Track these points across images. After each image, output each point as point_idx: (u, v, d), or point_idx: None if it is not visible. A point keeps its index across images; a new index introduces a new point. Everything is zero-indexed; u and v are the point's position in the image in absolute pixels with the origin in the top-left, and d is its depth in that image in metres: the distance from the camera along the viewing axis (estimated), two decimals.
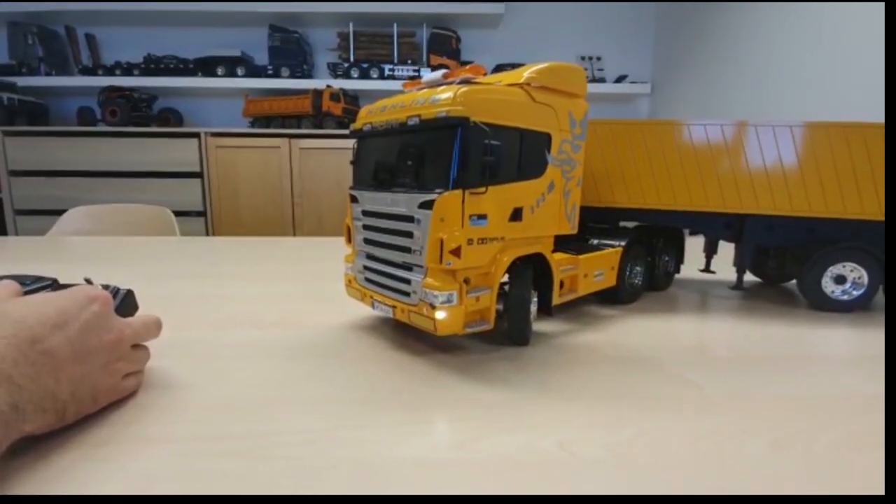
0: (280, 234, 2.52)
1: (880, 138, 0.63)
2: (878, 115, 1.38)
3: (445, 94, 0.46)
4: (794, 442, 0.36)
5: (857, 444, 0.36)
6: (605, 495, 0.30)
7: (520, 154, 0.50)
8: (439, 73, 0.52)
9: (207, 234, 2.54)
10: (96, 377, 0.36)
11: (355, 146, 0.58)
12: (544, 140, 0.52)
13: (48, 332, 0.32)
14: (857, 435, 0.37)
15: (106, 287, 0.45)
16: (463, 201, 0.45)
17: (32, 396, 0.30)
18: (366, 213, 0.55)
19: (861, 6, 1.52)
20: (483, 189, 0.46)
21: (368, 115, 0.55)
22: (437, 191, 0.45)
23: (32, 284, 0.44)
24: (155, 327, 0.44)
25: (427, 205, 0.46)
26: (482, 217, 0.47)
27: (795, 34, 1.82)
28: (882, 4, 1.41)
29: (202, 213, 2.53)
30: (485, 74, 0.53)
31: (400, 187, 0.50)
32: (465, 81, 0.49)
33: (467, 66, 0.50)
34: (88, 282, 0.44)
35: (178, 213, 1.65)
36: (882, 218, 0.65)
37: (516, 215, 0.51)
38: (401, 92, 0.56)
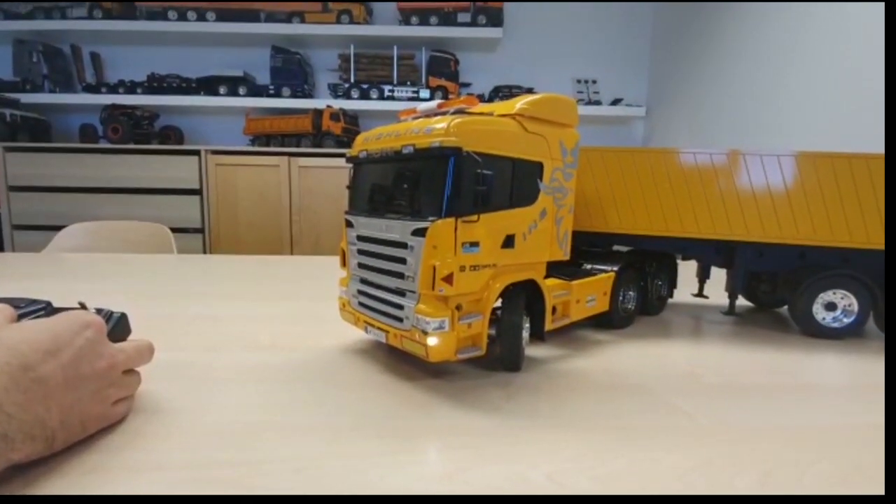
0: (278, 252, 2.52)
1: (867, 168, 0.65)
2: (871, 136, 1.40)
3: (439, 124, 0.47)
4: (783, 475, 0.36)
5: (847, 478, 0.36)
6: (602, 495, 0.30)
7: (512, 182, 0.51)
8: (434, 102, 0.53)
9: (205, 250, 2.54)
10: (86, 404, 0.36)
11: (351, 172, 0.59)
12: (536, 169, 0.53)
13: (41, 359, 0.32)
14: (848, 468, 0.38)
15: (99, 311, 0.45)
16: (455, 229, 0.46)
17: (22, 425, 0.30)
18: (360, 238, 0.56)
19: (855, 29, 1.55)
20: (475, 217, 0.47)
21: (364, 143, 0.56)
22: (431, 218, 0.46)
23: (26, 308, 0.45)
24: (147, 352, 0.44)
25: (420, 232, 0.47)
26: (474, 244, 0.48)
27: (789, 58, 1.86)
28: (878, 19, 1.44)
29: (200, 230, 2.54)
30: (481, 101, 0.54)
31: (394, 214, 0.51)
32: (459, 112, 0.50)
33: (461, 97, 0.52)
34: (83, 306, 0.44)
35: (176, 230, 1.65)
36: (870, 246, 0.66)
37: (508, 242, 0.51)
38: (397, 119, 0.57)
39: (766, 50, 1.97)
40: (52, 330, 0.35)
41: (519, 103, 0.52)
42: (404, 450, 0.39)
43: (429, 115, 0.53)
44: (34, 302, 0.46)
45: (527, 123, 0.52)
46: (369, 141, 0.55)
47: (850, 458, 0.39)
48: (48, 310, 0.46)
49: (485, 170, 0.46)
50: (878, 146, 1.36)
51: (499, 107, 0.53)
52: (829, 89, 1.67)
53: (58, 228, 1.60)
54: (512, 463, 0.37)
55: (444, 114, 0.51)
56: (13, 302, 0.44)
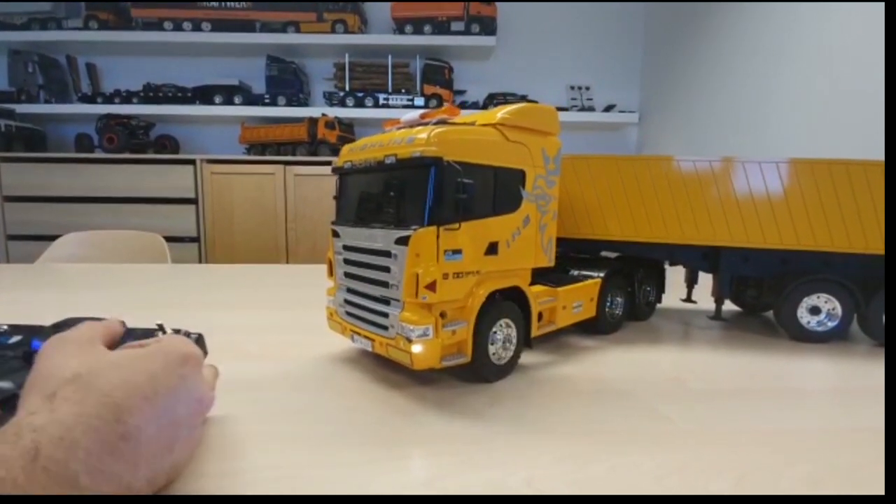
0: (274, 260, 2.52)
1: (847, 174, 0.66)
2: (864, 140, 1.41)
3: (420, 134, 0.47)
4: (757, 479, 0.36)
5: (821, 481, 0.37)
6: (597, 495, 0.30)
7: (494, 190, 0.52)
8: (416, 112, 0.54)
9: (201, 259, 2.54)
10: (178, 453, 0.31)
11: (337, 182, 0.60)
12: (518, 176, 0.54)
13: (135, 407, 0.28)
14: (823, 471, 0.38)
15: (177, 332, 0.43)
16: (438, 237, 0.47)
17: (98, 491, 0.25)
18: (346, 248, 0.56)
19: (847, 34, 1.57)
20: (457, 225, 0.47)
21: (350, 153, 0.57)
22: (413, 227, 0.47)
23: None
24: (215, 380, 0.42)
25: (403, 240, 0.47)
26: (457, 252, 0.49)
27: (780, 62, 1.89)
28: (870, 23, 1.46)
29: (196, 239, 2.54)
30: (475, 109, 0.55)
31: (378, 223, 0.51)
32: (441, 122, 0.51)
33: (442, 108, 0.53)
34: (161, 328, 0.42)
35: (172, 239, 1.66)
36: (852, 250, 0.67)
37: (492, 249, 0.52)
38: (382, 129, 0.58)
39: (758, 55, 1.99)
40: (149, 370, 0.30)
41: (500, 113, 0.53)
42: (387, 457, 0.39)
43: (412, 125, 0.54)
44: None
45: (508, 132, 0.53)
46: (354, 151, 0.56)
47: (826, 461, 0.39)
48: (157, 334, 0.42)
49: (466, 178, 0.47)
50: (871, 149, 1.38)
51: (480, 116, 0.54)
52: (821, 93, 1.68)
53: (53, 238, 1.60)
54: (491, 469, 0.37)
55: (426, 124, 0.51)
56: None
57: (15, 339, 0.42)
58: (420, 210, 0.47)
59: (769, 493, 0.35)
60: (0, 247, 2.53)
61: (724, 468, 0.38)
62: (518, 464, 0.38)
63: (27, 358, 0.38)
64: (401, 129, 0.53)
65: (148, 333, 0.41)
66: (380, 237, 0.50)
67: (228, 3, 2.70)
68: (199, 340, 0.43)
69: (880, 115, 1.35)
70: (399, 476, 0.36)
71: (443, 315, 0.49)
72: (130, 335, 0.40)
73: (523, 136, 0.54)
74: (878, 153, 0.66)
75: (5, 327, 0.43)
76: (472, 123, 0.53)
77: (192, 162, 2.51)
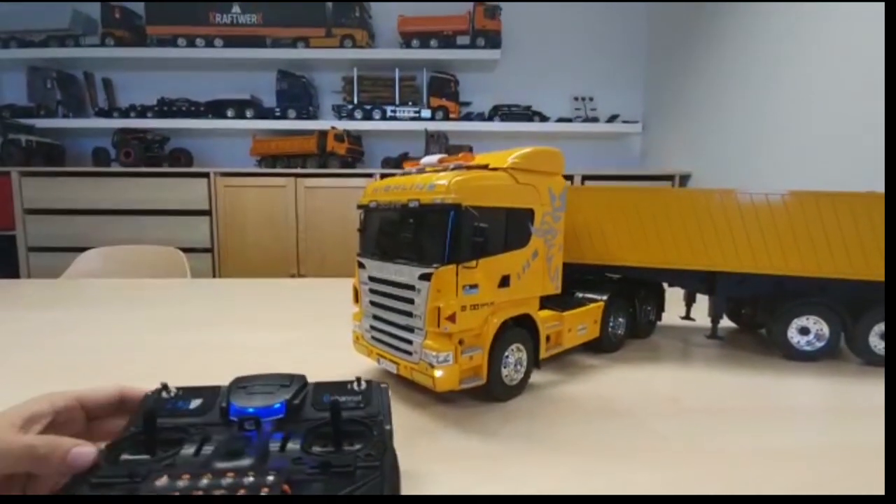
0: (285, 270, 2.59)
1: (832, 206, 0.71)
2: (870, 147, 1.44)
3: (441, 181, 0.53)
4: (738, 492, 0.42)
5: (796, 493, 0.42)
6: (600, 495, 0.35)
7: (506, 228, 0.57)
8: (435, 157, 0.60)
9: (214, 269, 2.61)
10: None
11: (362, 216, 0.66)
12: (528, 215, 0.60)
13: None
14: (800, 485, 0.43)
15: (368, 383, 0.42)
16: (457, 274, 0.52)
17: None
18: (372, 279, 0.62)
19: (851, 40, 1.59)
20: (474, 263, 0.53)
21: (374, 194, 0.62)
22: (435, 265, 0.52)
23: (291, 385, 0.40)
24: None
25: (426, 276, 0.53)
26: (474, 286, 0.54)
27: (781, 71, 1.93)
28: (873, 27, 1.48)
29: (209, 250, 2.61)
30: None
31: (402, 259, 0.57)
32: (458, 167, 0.57)
33: (460, 154, 0.58)
34: (358, 381, 0.42)
35: (186, 250, 1.71)
36: (838, 275, 0.72)
37: (504, 282, 0.58)
38: (402, 168, 0.64)
39: (759, 64, 2.03)
40: None
41: (510, 157, 0.58)
42: (413, 474, 0.44)
43: (431, 167, 0.60)
44: (292, 378, 0.42)
45: (518, 175, 0.58)
46: (378, 192, 0.62)
47: (805, 476, 0.44)
48: (297, 386, 0.41)
49: (481, 222, 0.52)
50: (875, 149, 1.38)
51: (493, 158, 0.60)
52: (825, 97, 1.71)
53: (72, 250, 1.67)
54: (506, 482, 0.42)
55: (445, 169, 0.57)
56: (260, 380, 0.40)
57: (195, 403, 0.38)
58: (441, 249, 0.52)
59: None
60: (21, 258, 2.61)
61: (710, 481, 0.43)
62: (530, 478, 0.43)
63: (237, 426, 0.36)
64: (420, 172, 0.59)
65: (341, 387, 0.42)
66: (405, 272, 0.56)
67: (240, 19, 2.78)
68: (386, 391, 0.43)
69: (881, 115, 1.35)
70: (424, 489, 0.42)
71: (461, 342, 0.55)
72: (321, 390, 0.40)
73: (532, 178, 0.59)
74: (881, 155, 0.69)
75: (174, 391, 0.40)
76: (486, 166, 0.58)
77: (206, 175, 2.59)
